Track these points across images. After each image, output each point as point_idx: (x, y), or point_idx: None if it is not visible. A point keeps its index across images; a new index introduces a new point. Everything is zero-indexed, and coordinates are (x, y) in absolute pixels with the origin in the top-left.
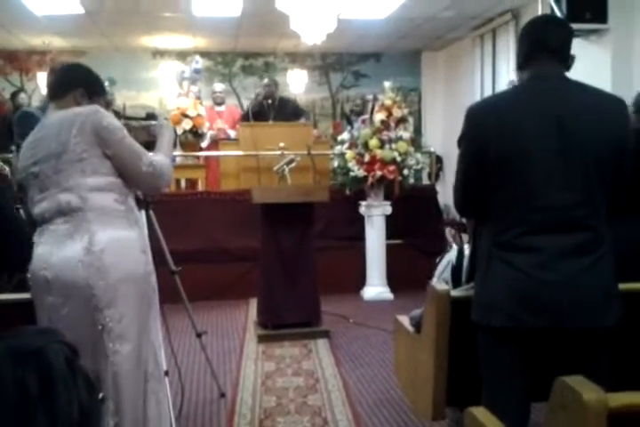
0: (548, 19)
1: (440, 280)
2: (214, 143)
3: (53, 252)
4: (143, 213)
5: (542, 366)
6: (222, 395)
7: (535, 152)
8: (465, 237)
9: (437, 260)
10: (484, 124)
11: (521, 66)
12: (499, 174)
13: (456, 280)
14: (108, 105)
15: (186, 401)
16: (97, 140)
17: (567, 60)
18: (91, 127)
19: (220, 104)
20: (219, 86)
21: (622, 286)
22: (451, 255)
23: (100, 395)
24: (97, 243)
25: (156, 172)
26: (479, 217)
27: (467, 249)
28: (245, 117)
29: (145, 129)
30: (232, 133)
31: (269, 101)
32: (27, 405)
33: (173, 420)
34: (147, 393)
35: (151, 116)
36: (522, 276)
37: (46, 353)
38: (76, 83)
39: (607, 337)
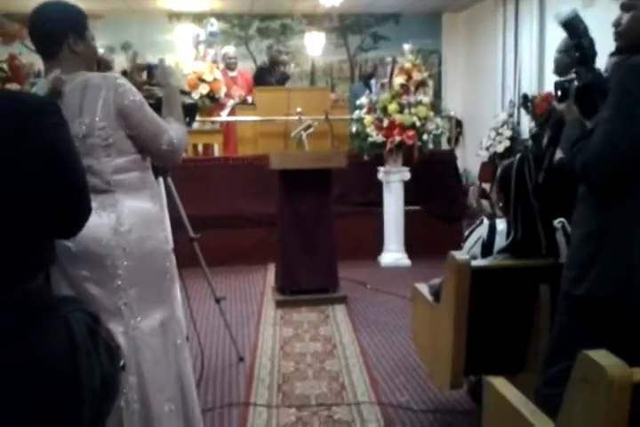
0: None
1: (469, 255)
2: (232, 110)
3: None
4: (160, 180)
5: None
6: (241, 359)
7: None
8: (484, 203)
9: (466, 233)
10: None
11: None
12: None
13: (486, 257)
14: (109, 68)
15: (205, 365)
16: (120, 122)
17: None
18: (115, 108)
19: (233, 69)
20: (231, 50)
21: None
22: (481, 231)
23: (121, 362)
24: (124, 222)
25: (175, 149)
26: (618, 185)
27: (499, 224)
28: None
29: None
30: (249, 99)
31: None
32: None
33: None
34: (180, 363)
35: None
36: None
37: (69, 321)
38: (64, 30)
39: None
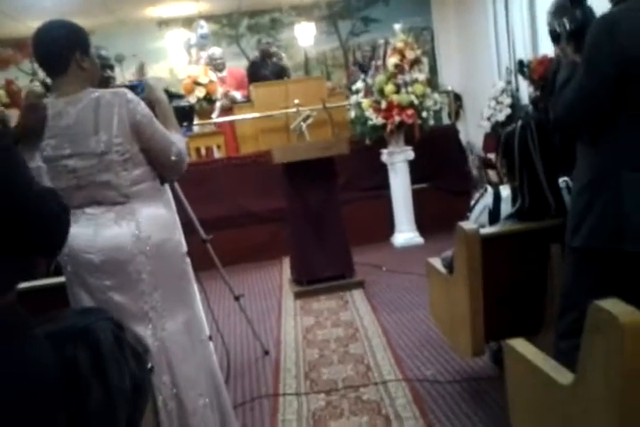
0: None
1: (477, 225)
2: (225, 111)
3: (98, 235)
4: (167, 186)
5: None
6: (266, 353)
7: None
8: (491, 173)
9: (472, 203)
10: (627, 35)
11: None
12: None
13: (494, 224)
14: (107, 83)
15: (232, 363)
16: (134, 137)
17: None
18: (129, 123)
19: (221, 70)
20: (217, 51)
21: None
22: (487, 200)
23: (149, 365)
24: (144, 229)
25: (182, 159)
26: (591, 137)
27: (503, 191)
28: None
29: None
30: (237, 95)
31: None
32: (81, 380)
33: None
34: (207, 359)
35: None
36: None
37: (94, 331)
38: (71, 47)
39: None
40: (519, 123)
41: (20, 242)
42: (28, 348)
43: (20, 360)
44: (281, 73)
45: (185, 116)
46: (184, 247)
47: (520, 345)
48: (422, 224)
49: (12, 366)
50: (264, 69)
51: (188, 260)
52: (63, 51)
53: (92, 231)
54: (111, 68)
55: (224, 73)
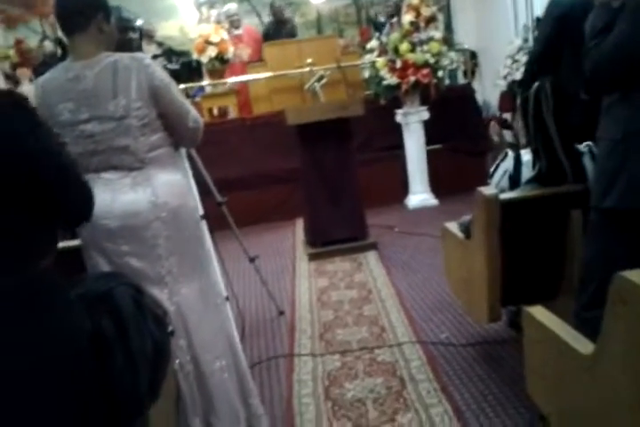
0: None
1: (497, 190)
2: (240, 67)
3: (116, 201)
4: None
5: None
6: (281, 313)
7: None
8: (506, 133)
9: (492, 169)
10: None
11: None
12: None
13: (514, 189)
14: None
15: (247, 323)
16: (153, 102)
17: None
18: (147, 88)
19: (237, 27)
20: (233, 7)
21: None
22: (507, 164)
23: (170, 328)
24: (160, 195)
25: (199, 126)
26: (622, 90)
27: (524, 155)
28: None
29: None
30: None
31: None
32: (105, 346)
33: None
34: (223, 322)
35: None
36: None
37: (114, 296)
38: (94, 7)
39: None
40: (535, 85)
41: (55, 209)
42: (66, 313)
43: (57, 327)
44: (294, 36)
45: (193, 70)
46: (199, 212)
47: (539, 313)
48: (437, 186)
49: (50, 331)
50: (280, 35)
51: (204, 224)
52: (87, 9)
53: (110, 197)
54: (133, 29)
55: (240, 30)
